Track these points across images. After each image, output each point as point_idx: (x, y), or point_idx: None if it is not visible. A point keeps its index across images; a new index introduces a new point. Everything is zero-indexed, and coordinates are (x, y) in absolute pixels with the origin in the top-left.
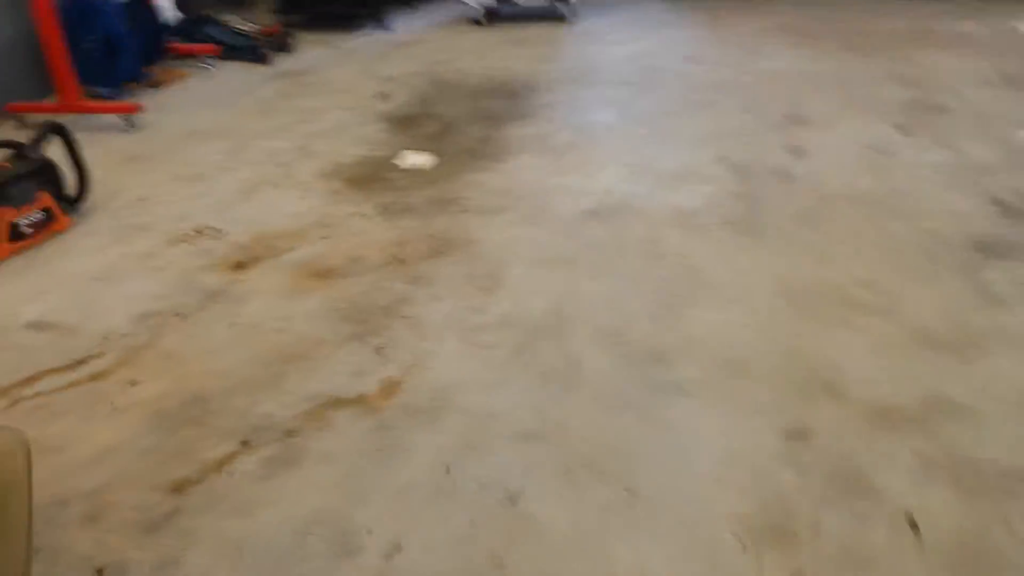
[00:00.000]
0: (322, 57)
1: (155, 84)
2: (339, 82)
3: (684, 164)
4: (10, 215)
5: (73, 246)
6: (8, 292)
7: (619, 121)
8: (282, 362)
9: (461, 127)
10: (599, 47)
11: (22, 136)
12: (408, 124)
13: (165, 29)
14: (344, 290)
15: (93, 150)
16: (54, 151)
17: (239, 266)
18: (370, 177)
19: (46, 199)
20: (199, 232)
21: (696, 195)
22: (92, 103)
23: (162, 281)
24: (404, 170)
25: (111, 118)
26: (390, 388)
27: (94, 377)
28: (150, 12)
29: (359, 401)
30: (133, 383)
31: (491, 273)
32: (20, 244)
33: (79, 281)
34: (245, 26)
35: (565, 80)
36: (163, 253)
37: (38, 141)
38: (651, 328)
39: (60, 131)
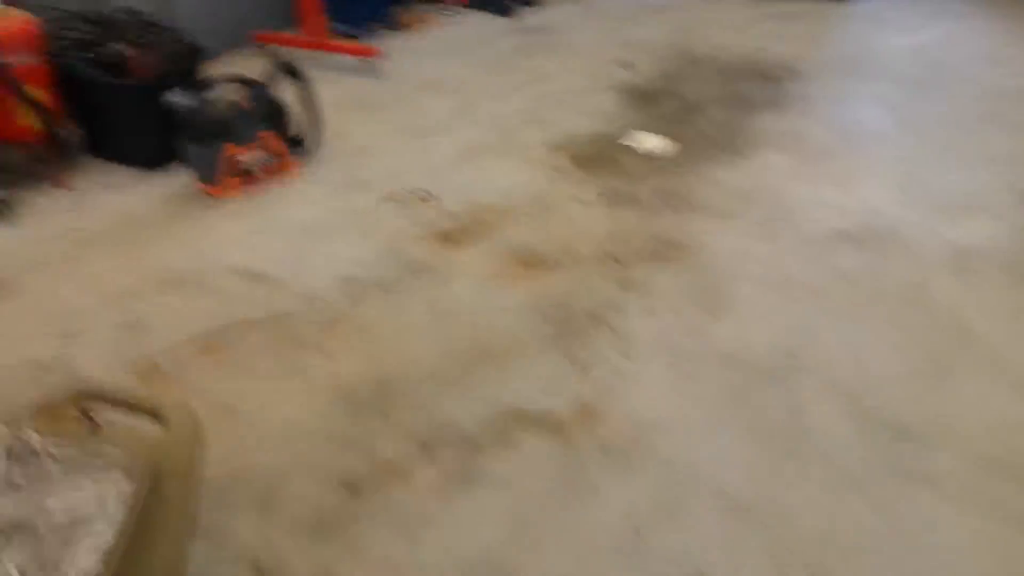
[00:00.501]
0: (568, 14)
1: (399, 27)
2: (581, 43)
3: (967, 190)
4: (233, 151)
5: (293, 192)
6: (224, 232)
7: (891, 126)
8: (475, 359)
9: (705, 110)
10: (878, 33)
11: (259, 72)
12: (647, 100)
13: None
14: (551, 285)
15: (327, 91)
16: (289, 93)
17: (447, 239)
18: (597, 156)
19: (273, 141)
20: (413, 194)
21: (979, 231)
22: (335, 42)
23: (370, 246)
24: (635, 153)
25: (349, 59)
26: (585, 414)
27: (292, 338)
28: None
29: (549, 423)
30: (326, 353)
31: (715, 290)
32: (245, 183)
33: (291, 232)
34: None
35: (833, 69)
36: (375, 213)
37: (271, 80)
38: (901, 394)
39: (294, 72)
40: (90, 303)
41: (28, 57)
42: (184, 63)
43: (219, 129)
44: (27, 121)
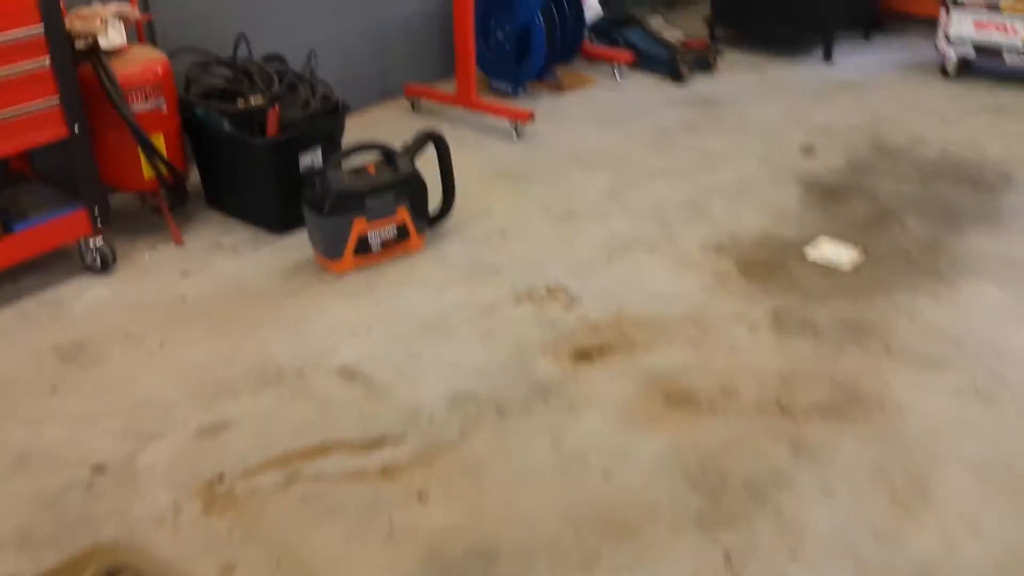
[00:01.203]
0: (745, 85)
1: (557, 87)
2: (758, 121)
3: None
4: (362, 227)
5: (416, 274)
6: (335, 316)
7: None
8: (598, 531)
9: (901, 216)
10: None
11: (405, 126)
12: (832, 198)
13: (583, 27)
14: (701, 435)
15: (469, 154)
16: (428, 161)
17: (582, 355)
18: (767, 264)
19: (404, 215)
20: (550, 292)
21: None
22: (486, 102)
23: (492, 351)
24: (814, 264)
25: (498, 121)
26: None
27: (385, 472)
28: (576, 8)
29: None
30: (422, 497)
31: (912, 471)
32: (366, 259)
33: (406, 324)
34: (668, 33)
35: None
36: (503, 311)
37: (412, 150)
38: None
39: (437, 141)
40: (175, 395)
41: (156, 102)
42: (323, 122)
43: (349, 201)
44: (145, 169)
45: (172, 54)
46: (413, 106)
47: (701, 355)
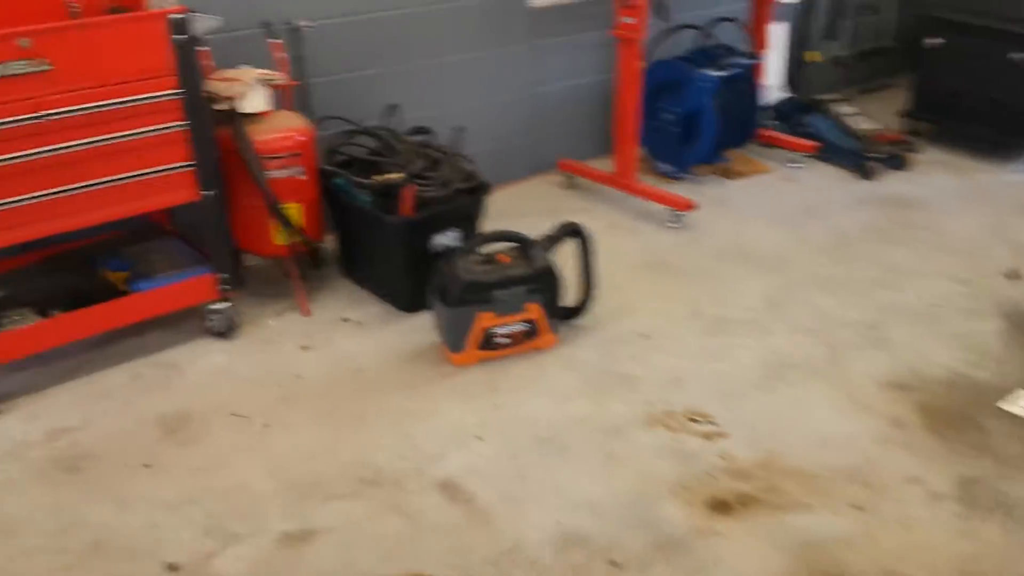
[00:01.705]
0: (943, 188)
1: (726, 173)
2: (955, 233)
3: None
4: (488, 321)
5: (541, 376)
6: (447, 418)
7: None
8: None
9: None
10: None
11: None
12: None
13: (760, 110)
14: None
15: (620, 240)
16: (567, 253)
17: (720, 505)
18: (958, 416)
19: (534, 311)
20: (690, 417)
21: None
22: (645, 186)
23: (613, 483)
24: (1013, 421)
25: (656, 206)
26: None
27: None
28: (751, 91)
29: None
30: None
31: None
32: (490, 353)
33: (522, 435)
34: (858, 123)
35: None
36: (632, 434)
37: (551, 242)
38: None
39: (580, 236)
40: (266, 489)
41: (294, 170)
42: (462, 203)
43: (476, 293)
44: (277, 236)
45: (318, 121)
46: (566, 182)
47: (866, 526)
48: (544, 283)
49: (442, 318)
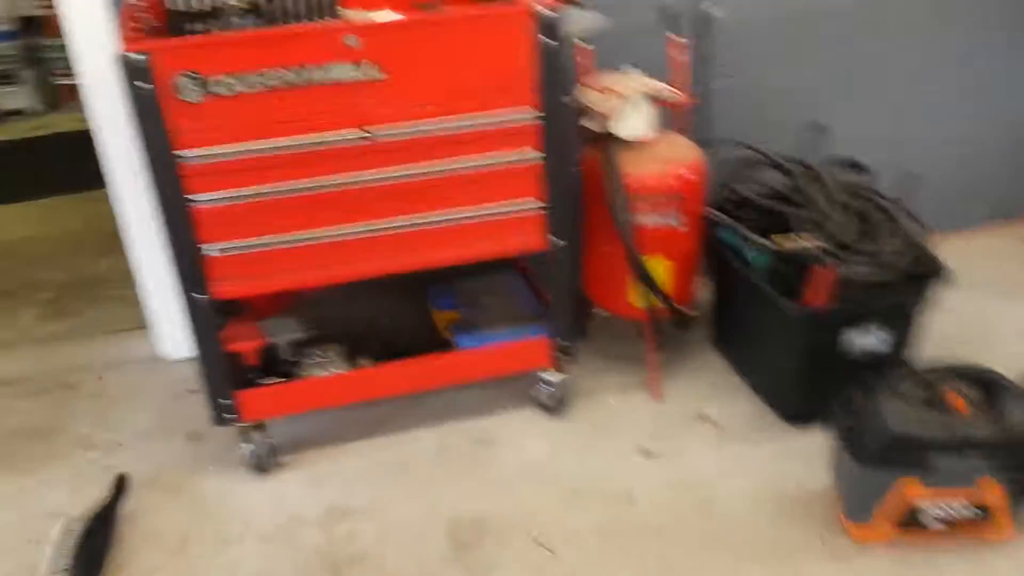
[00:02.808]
0: None
1: None
2: None
3: None
4: (915, 492)
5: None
6: None
7: None
8: None
9: None
10: None
11: None
12: None
13: None
14: None
15: None
16: None
17: None
18: None
19: (992, 491)
20: None
21: None
22: None
23: None
24: None
25: None
26: None
27: None
28: None
29: None
30: None
31: None
32: (909, 535)
33: None
34: None
35: None
36: None
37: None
38: None
39: None
40: None
41: (669, 217)
42: (903, 294)
43: (904, 452)
44: (634, 295)
45: (710, 145)
46: None
47: None
48: (1017, 456)
49: (846, 471)
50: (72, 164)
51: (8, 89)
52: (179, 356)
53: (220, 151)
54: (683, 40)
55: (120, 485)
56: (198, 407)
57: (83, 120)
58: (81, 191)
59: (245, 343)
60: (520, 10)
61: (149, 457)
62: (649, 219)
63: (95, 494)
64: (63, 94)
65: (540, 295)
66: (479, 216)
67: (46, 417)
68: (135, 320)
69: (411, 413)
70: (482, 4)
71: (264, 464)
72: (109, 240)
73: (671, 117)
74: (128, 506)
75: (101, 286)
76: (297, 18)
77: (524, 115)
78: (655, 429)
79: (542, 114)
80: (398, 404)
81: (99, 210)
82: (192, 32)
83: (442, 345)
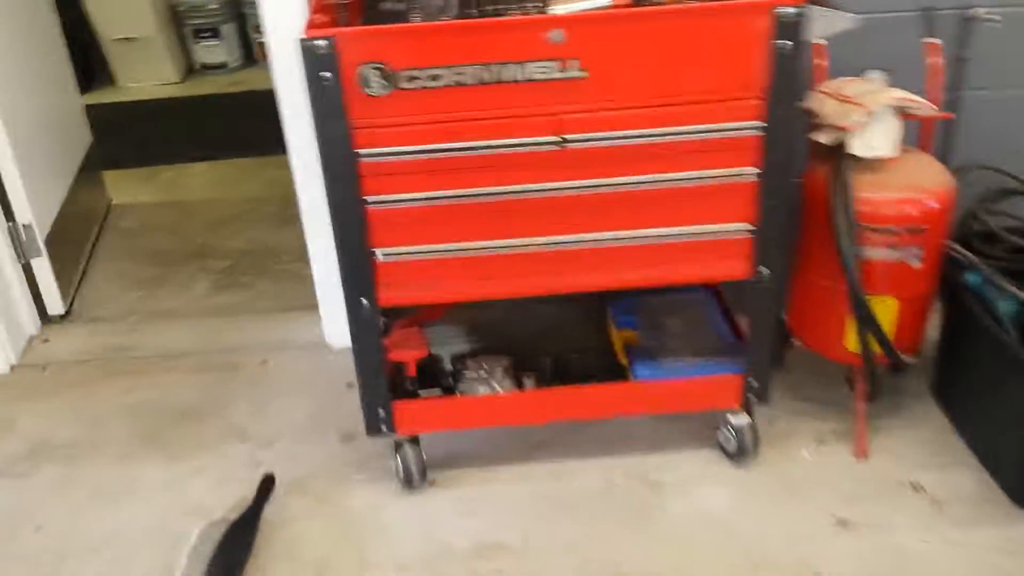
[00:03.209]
0: None
1: None
2: None
3: None
4: None
5: None
6: None
7: None
8: None
9: None
10: None
11: None
12: None
13: None
14: None
15: None
16: None
17: None
18: None
19: None
20: None
21: None
22: None
23: None
24: None
25: None
26: None
27: None
28: None
29: None
30: None
31: None
32: None
33: None
34: None
35: None
36: None
37: None
38: None
39: None
40: None
41: (907, 252)
42: None
43: None
44: (849, 338)
45: (958, 168)
46: None
47: None
48: None
49: None
50: (261, 124)
51: (210, 43)
52: (343, 345)
53: (401, 150)
54: (940, 44)
55: (265, 487)
56: (354, 404)
57: None
58: (267, 154)
59: (407, 352)
60: (758, 6)
61: (299, 457)
62: (880, 253)
63: (239, 492)
64: (261, 51)
65: (733, 323)
66: (677, 237)
67: (204, 399)
68: (305, 299)
69: (573, 439)
70: None
71: (414, 480)
72: (289, 209)
73: (916, 133)
74: (270, 510)
75: (276, 258)
76: (495, 2)
77: (745, 127)
78: (855, 494)
79: (766, 126)
80: (559, 426)
81: (283, 176)
82: (387, 10)
83: (616, 370)
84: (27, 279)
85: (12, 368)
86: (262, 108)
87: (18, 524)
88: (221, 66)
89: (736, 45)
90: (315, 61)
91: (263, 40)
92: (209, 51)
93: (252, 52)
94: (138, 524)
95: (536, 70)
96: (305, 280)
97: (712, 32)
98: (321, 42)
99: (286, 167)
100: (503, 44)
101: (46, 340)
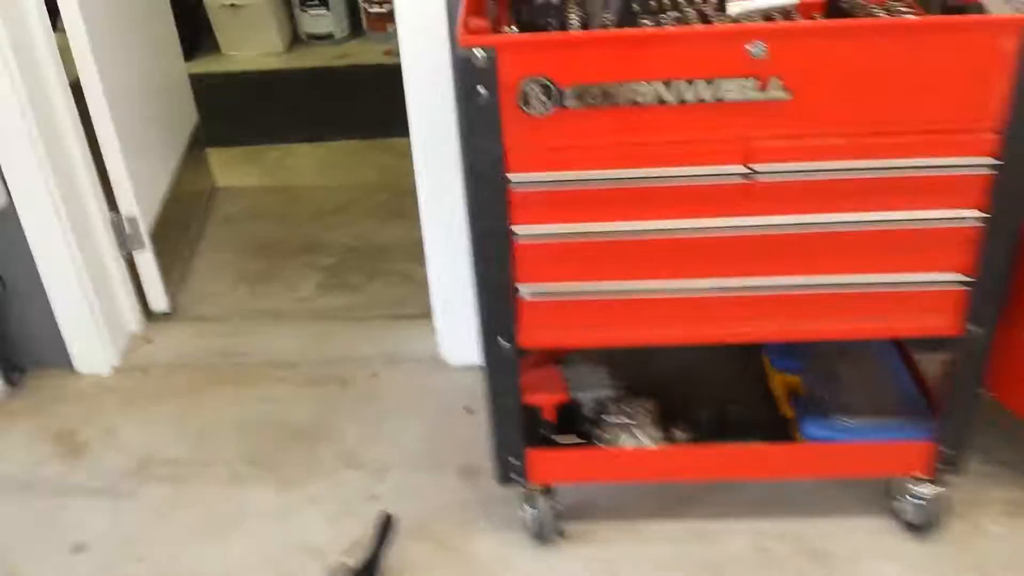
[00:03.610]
0: None
1: None
2: None
3: None
4: None
5: None
6: None
7: None
8: None
9: None
10: None
11: None
12: None
13: None
14: None
15: None
16: None
17: None
18: None
19: None
20: None
21: None
22: None
23: None
24: None
25: None
26: None
27: None
28: None
29: None
30: None
31: None
32: None
33: None
34: None
35: None
36: None
37: None
38: None
39: None
40: None
41: None
42: None
43: None
44: None
45: None
46: None
47: None
48: None
49: None
50: (373, 104)
51: (317, 12)
52: (461, 362)
53: (560, 178)
54: None
55: (385, 529)
56: (474, 431)
57: (384, 53)
58: (380, 137)
59: (546, 395)
60: (1007, 23)
61: (416, 493)
62: None
63: (354, 529)
64: (370, 21)
65: (917, 374)
66: (875, 286)
67: (313, 416)
68: (419, 305)
69: (723, 496)
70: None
71: (546, 533)
72: (405, 201)
73: None
74: (390, 555)
75: (387, 257)
76: (675, 7)
77: (974, 163)
78: None
79: (1000, 163)
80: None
81: (398, 164)
82: (539, 14)
83: (778, 422)
84: (130, 273)
85: (114, 370)
86: (368, 84)
87: (120, 553)
88: (327, 36)
89: (975, 68)
90: (472, 74)
91: (373, 10)
92: (315, 20)
93: (360, 23)
94: (247, 562)
95: (729, 89)
96: (418, 284)
97: (945, 51)
98: (480, 52)
99: (396, 153)
100: (695, 57)
101: (149, 340)
